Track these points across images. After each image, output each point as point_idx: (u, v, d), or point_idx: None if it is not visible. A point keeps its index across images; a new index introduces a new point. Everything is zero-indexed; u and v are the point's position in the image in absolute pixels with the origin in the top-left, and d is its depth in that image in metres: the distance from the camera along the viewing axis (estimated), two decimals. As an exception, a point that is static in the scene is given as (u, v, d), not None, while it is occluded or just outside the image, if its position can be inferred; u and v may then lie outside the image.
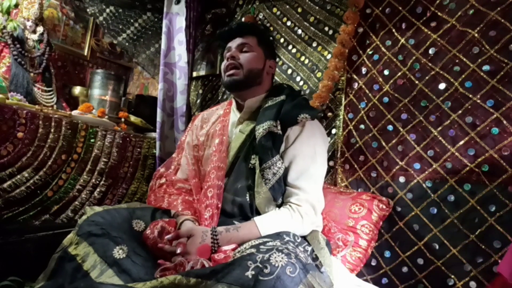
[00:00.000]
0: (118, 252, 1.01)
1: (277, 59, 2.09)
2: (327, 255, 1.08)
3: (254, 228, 1.08)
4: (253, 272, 0.78)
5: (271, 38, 1.47)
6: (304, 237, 1.14)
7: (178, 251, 1.01)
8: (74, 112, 2.01)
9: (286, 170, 1.18)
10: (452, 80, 1.51)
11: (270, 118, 1.20)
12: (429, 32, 1.60)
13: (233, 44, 1.33)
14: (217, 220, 1.14)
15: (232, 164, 1.26)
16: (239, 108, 1.36)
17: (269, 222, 1.10)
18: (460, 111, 1.47)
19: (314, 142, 1.22)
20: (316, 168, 1.21)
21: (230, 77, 1.28)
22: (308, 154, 1.20)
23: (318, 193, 1.20)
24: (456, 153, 1.46)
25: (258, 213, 1.17)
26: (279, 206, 1.17)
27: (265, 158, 1.16)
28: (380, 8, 1.76)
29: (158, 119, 2.14)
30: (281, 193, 1.17)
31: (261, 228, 1.07)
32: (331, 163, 1.82)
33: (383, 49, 1.73)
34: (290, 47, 2.10)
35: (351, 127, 1.79)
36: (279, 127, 1.19)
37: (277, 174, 1.15)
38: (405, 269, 1.51)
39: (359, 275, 1.44)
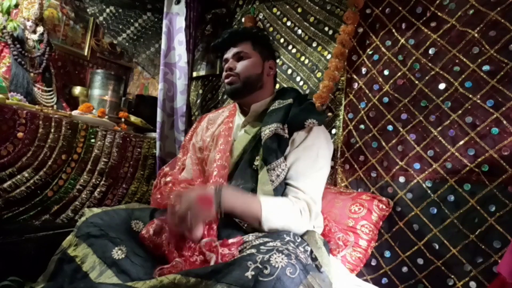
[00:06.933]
0: (117, 253, 1.02)
1: (277, 60, 2.11)
2: (325, 254, 1.07)
3: (257, 204, 1.07)
4: (253, 273, 0.78)
5: (267, 38, 1.46)
6: (301, 237, 1.14)
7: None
8: (74, 112, 2.01)
9: (287, 171, 1.18)
10: (452, 80, 1.51)
11: (277, 120, 1.19)
12: (429, 32, 1.60)
13: (229, 54, 1.33)
14: (218, 218, 1.14)
15: (235, 165, 1.26)
16: (243, 112, 1.36)
17: (273, 204, 1.09)
18: (460, 111, 1.47)
19: (318, 146, 1.21)
20: (317, 171, 1.20)
21: (229, 85, 1.30)
22: (310, 157, 1.19)
23: (315, 196, 1.18)
24: (456, 153, 1.46)
25: None
26: None
27: (270, 159, 1.15)
28: (380, 8, 1.76)
29: (158, 119, 2.14)
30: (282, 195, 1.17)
31: (264, 207, 1.06)
32: (331, 163, 1.81)
33: (383, 49, 1.73)
34: (290, 47, 2.10)
35: (351, 127, 1.78)
36: (286, 130, 1.19)
37: (281, 176, 1.15)
38: (405, 269, 1.51)
39: (359, 275, 1.44)
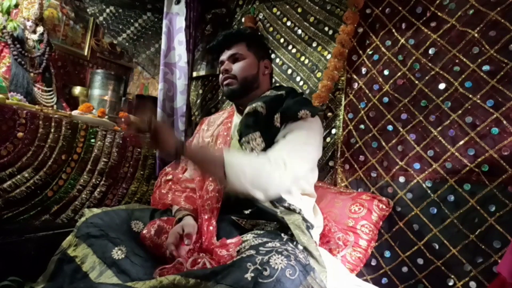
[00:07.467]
0: (117, 253, 1.02)
1: (277, 60, 2.12)
2: (311, 240, 1.06)
3: (220, 152, 1.05)
4: (252, 274, 0.78)
5: (261, 38, 1.48)
6: (282, 221, 1.08)
7: (186, 242, 1.01)
8: (74, 112, 2.01)
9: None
10: (452, 80, 1.51)
11: (261, 101, 1.22)
12: (429, 32, 1.60)
13: (224, 56, 1.35)
14: (217, 214, 1.14)
15: None
16: (240, 112, 1.37)
17: (237, 152, 1.08)
18: (460, 111, 1.47)
19: (308, 127, 1.20)
20: (303, 144, 1.16)
21: (227, 87, 1.32)
22: (300, 134, 1.17)
23: (292, 162, 1.10)
24: (456, 153, 1.46)
25: (258, 208, 1.16)
26: (277, 201, 1.16)
27: (244, 132, 1.18)
28: (380, 8, 1.76)
29: (158, 119, 2.14)
30: None
31: (227, 151, 1.04)
32: (331, 163, 1.82)
33: (383, 49, 1.73)
34: (290, 47, 2.10)
35: (351, 127, 1.78)
36: (279, 119, 1.19)
37: (255, 150, 1.15)
38: (405, 269, 1.51)
39: (359, 275, 1.45)
